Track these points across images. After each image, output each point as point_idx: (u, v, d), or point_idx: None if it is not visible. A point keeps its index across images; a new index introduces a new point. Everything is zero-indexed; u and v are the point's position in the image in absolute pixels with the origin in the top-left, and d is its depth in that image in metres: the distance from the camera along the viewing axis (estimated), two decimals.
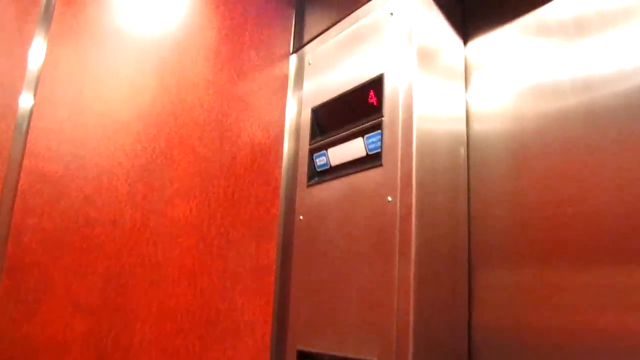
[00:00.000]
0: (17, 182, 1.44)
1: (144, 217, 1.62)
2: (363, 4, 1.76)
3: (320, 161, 1.78)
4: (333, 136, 1.73)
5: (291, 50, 2.09)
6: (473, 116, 1.61)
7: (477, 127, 1.59)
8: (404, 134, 1.47)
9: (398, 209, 1.44)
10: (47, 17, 1.57)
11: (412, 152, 1.44)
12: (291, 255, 1.82)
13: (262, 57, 1.99)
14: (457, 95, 1.62)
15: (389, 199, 1.47)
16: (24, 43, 1.53)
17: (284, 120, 2.01)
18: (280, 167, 1.95)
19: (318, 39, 1.95)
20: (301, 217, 1.81)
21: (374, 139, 1.58)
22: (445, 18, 1.64)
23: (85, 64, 1.60)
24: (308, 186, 1.80)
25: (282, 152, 1.97)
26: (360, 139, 1.63)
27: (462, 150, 1.58)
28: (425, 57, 1.53)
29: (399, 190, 1.45)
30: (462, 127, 1.60)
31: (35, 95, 1.51)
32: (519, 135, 1.47)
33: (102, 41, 1.65)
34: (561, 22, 1.42)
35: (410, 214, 1.40)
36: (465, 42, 1.68)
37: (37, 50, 1.53)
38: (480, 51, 1.63)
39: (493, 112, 1.55)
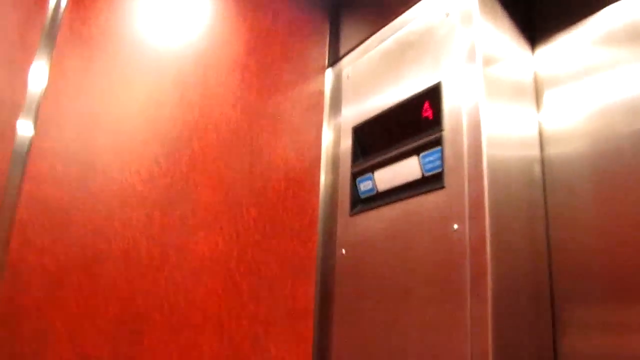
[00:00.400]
0: (15, 211, 1.21)
1: (162, 252, 1.39)
2: (410, 6, 1.55)
3: (365, 186, 1.55)
4: (379, 157, 1.50)
5: (327, 64, 1.88)
6: (548, 137, 1.37)
7: (554, 149, 1.35)
8: (472, 148, 1.24)
9: (467, 238, 1.20)
10: (54, 23, 1.37)
11: (482, 171, 1.20)
12: (333, 295, 1.57)
13: (294, 71, 1.77)
14: (527, 110, 1.38)
15: (455, 227, 1.23)
16: (27, 52, 1.32)
17: (320, 141, 1.77)
18: (318, 193, 1.71)
19: (357, 50, 1.74)
20: (344, 251, 1.56)
21: (431, 157, 1.35)
22: (510, 18, 1.42)
23: (96, 76, 1.39)
24: (351, 215, 1.57)
25: (319, 177, 1.73)
26: (414, 158, 1.39)
27: (537, 169, 1.34)
28: (490, 65, 1.30)
29: (467, 217, 1.21)
30: (536, 146, 1.37)
31: (38, 111, 1.29)
32: (610, 156, 1.23)
33: (115, 51, 1.44)
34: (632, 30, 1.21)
35: (483, 244, 1.16)
36: (532, 48, 1.45)
37: (42, 61, 1.33)
38: (553, 60, 1.40)
39: (574, 132, 1.32)
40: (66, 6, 1.38)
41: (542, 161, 1.36)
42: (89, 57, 1.39)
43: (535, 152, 1.36)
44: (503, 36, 1.38)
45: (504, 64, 1.35)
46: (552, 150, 1.35)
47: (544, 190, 1.34)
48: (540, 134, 1.38)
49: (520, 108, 1.36)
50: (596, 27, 1.32)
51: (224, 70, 1.61)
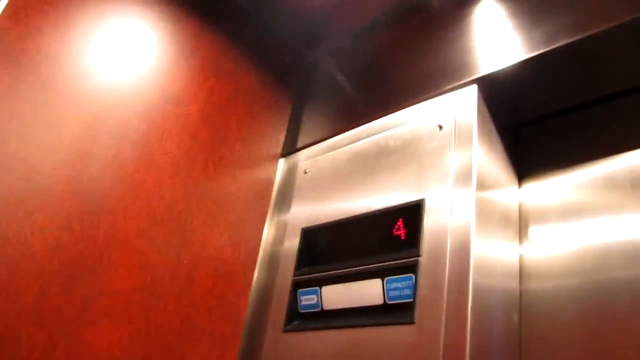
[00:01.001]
0: None
1: (49, 339, 1.07)
2: (394, 110, 1.41)
3: (307, 300, 1.32)
4: (332, 270, 1.29)
5: (280, 153, 1.67)
6: (530, 273, 1.23)
7: (534, 284, 1.21)
8: (454, 280, 1.06)
9: None
10: None
11: (466, 312, 1.02)
12: None
13: (247, 153, 1.55)
14: (510, 246, 1.25)
15: None
16: None
17: (261, 236, 1.53)
18: (248, 297, 1.45)
19: (321, 145, 1.56)
20: None
21: (400, 284, 1.15)
22: (502, 144, 1.31)
23: (17, 102, 1.11)
24: (285, 331, 1.32)
25: (252, 278, 1.48)
26: (377, 281, 1.19)
27: (516, 317, 1.18)
28: (482, 191, 1.16)
29: None
30: (516, 286, 1.22)
31: None
32: (601, 299, 1.10)
33: (48, 81, 1.17)
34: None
35: None
36: (520, 182, 1.34)
37: None
38: (540, 197, 1.29)
39: (558, 270, 1.19)
40: (1, 13, 1.12)
41: (520, 296, 1.21)
42: (15, 76, 1.11)
43: (514, 285, 1.22)
44: (494, 162, 1.26)
45: (494, 191, 1.22)
46: (532, 285, 1.21)
47: (520, 331, 1.18)
48: (521, 268, 1.24)
49: (504, 239, 1.22)
50: (591, 171, 1.23)
51: (170, 133, 1.37)
